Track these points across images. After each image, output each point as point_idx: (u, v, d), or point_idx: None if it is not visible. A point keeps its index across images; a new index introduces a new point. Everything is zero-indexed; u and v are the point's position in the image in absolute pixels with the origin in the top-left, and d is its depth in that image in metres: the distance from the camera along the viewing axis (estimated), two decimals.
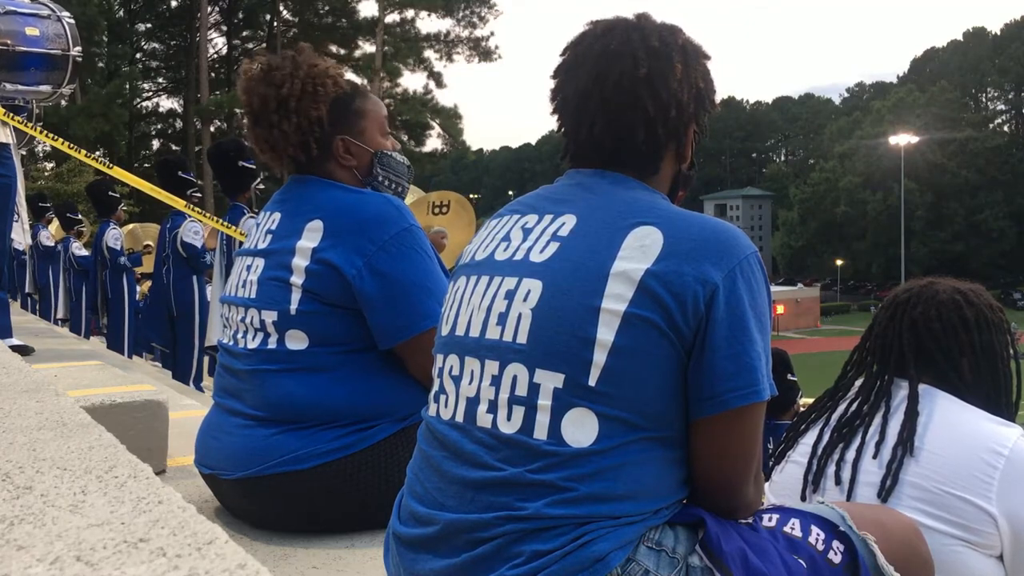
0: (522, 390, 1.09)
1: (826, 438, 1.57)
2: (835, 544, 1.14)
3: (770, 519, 1.17)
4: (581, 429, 1.05)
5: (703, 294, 1.05)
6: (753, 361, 1.07)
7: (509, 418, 1.09)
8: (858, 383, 1.63)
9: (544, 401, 1.07)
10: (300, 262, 1.68)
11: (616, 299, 1.06)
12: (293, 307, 1.67)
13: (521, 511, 1.04)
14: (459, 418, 1.15)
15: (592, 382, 1.05)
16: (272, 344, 1.68)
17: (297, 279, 1.67)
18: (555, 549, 1.02)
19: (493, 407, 1.11)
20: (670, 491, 1.10)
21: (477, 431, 1.12)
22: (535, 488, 1.05)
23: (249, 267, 1.78)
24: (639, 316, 1.05)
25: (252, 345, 1.71)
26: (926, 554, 1.25)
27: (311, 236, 1.69)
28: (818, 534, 1.15)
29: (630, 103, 1.18)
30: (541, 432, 1.06)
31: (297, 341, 1.67)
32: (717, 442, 1.09)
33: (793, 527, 1.15)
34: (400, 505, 1.22)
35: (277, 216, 1.79)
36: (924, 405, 1.50)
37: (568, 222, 1.16)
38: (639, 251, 1.08)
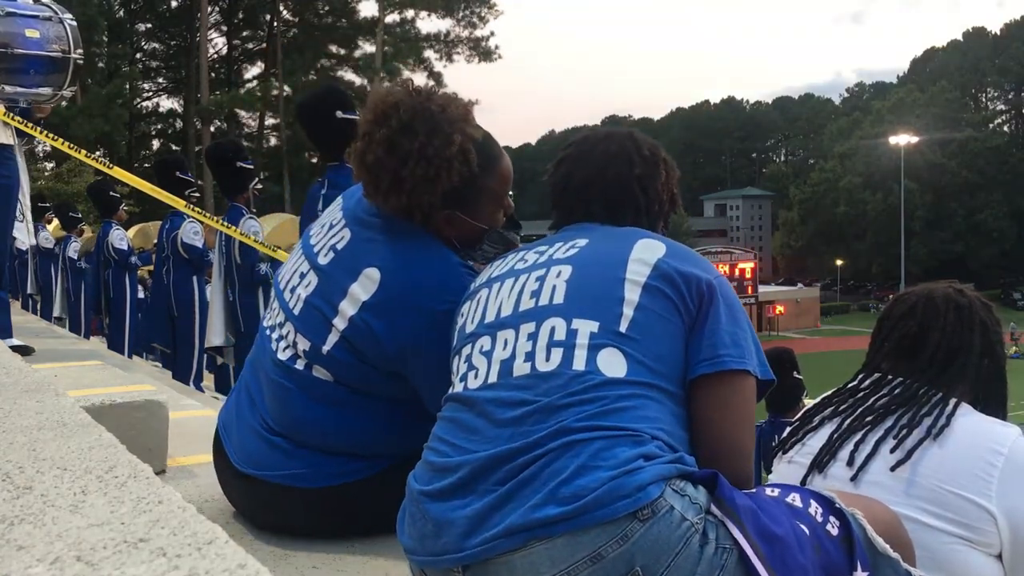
0: (560, 335, 1.24)
1: (847, 424, 1.58)
2: (832, 519, 1.21)
3: (772, 491, 1.24)
4: (614, 364, 1.20)
5: (704, 282, 1.30)
6: (742, 341, 1.28)
7: (548, 359, 1.22)
8: (886, 384, 1.63)
9: (582, 341, 1.23)
10: (347, 308, 1.58)
11: (636, 274, 1.29)
12: (326, 348, 1.60)
13: (558, 425, 1.14)
14: (492, 379, 1.25)
15: (623, 329, 1.23)
16: (300, 366, 1.64)
17: (340, 323, 1.59)
18: (602, 467, 1.09)
19: (531, 356, 1.24)
20: (682, 440, 1.21)
21: (513, 381, 1.23)
22: (572, 407, 1.16)
23: (303, 276, 1.69)
24: (656, 287, 1.28)
25: (282, 357, 1.66)
26: (908, 540, 1.30)
27: (365, 285, 1.57)
28: (817, 507, 1.22)
29: (624, 194, 1.48)
30: (580, 364, 1.21)
31: (323, 374, 1.63)
32: (715, 401, 1.24)
33: (794, 499, 1.22)
34: (415, 475, 1.26)
35: (347, 234, 1.66)
36: (958, 410, 1.52)
37: (581, 242, 1.38)
38: (648, 250, 1.33)
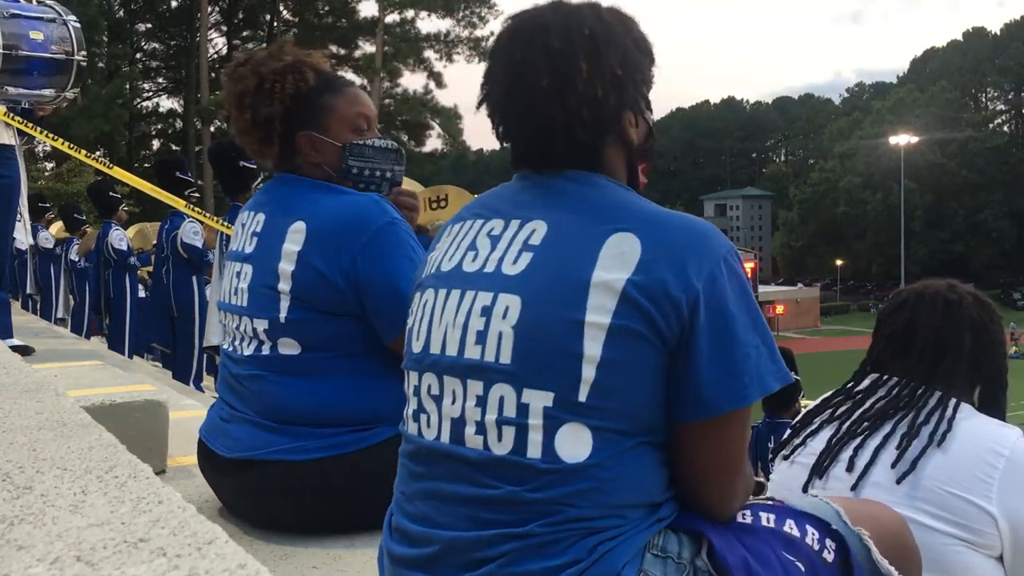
0: (510, 411, 1.05)
1: (845, 428, 1.58)
2: (827, 543, 1.16)
3: (767, 519, 1.17)
4: (575, 444, 1.03)
5: (686, 301, 1.03)
6: (739, 365, 1.05)
7: (500, 439, 1.06)
8: (882, 385, 1.62)
9: (535, 420, 1.04)
10: (286, 267, 1.68)
11: (599, 311, 1.03)
12: (282, 316, 1.67)
13: (519, 528, 1.02)
14: (444, 438, 1.11)
15: (583, 398, 1.02)
16: (266, 351, 1.69)
17: (285, 286, 1.67)
18: (567, 565, 1.00)
19: (481, 428, 1.07)
20: (665, 489, 1.10)
21: (468, 451, 1.08)
22: (533, 507, 1.02)
23: (239, 273, 1.78)
24: (624, 328, 1.02)
25: (247, 352, 1.72)
26: (914, 545, 1.28)
27: (294, 238, 1.69)
28: (813, 534, 1.16)
29: (541, 115, 1.13)
30: (535, 451, 1.03)
31: (289, 348, 1.68)
32: (700, 447, 1.09)
33: (791, 528, 1.16)
34: (390, 522, 1.20)
35: (261, 218, 1.79)
36: (958, 413, 1.51)
37: (539, 229, 1.11)
38: (619, 259, 1.04)
